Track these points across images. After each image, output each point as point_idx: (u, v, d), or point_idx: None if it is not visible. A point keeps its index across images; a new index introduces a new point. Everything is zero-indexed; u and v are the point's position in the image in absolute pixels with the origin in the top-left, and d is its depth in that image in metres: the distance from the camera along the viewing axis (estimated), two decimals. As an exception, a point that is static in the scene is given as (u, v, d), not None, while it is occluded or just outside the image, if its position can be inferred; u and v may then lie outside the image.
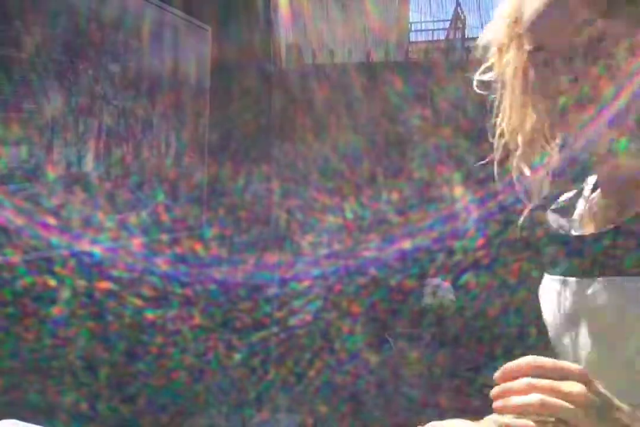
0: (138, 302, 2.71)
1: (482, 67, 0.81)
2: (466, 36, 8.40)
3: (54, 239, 2.33)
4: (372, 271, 3.75)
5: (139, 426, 2.53)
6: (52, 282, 2.29)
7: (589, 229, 0.77)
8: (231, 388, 2.76)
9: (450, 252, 3.81)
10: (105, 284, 2.56)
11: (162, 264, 2.88)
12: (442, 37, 8.70)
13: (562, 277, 0.77)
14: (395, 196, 4.04)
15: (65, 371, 2.36)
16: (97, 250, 2.55)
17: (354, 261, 3.79)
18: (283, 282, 3.65)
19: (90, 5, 2.57)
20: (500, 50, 0.79)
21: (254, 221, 3.91)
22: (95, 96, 2.62)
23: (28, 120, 2.24)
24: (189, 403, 2.77)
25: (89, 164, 2.59)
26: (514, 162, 0.78)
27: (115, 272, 2.61)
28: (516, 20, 0.76)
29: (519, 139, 0.78)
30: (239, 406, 2.71)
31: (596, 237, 0.74)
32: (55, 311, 2.33)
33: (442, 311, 3.73)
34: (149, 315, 2.77)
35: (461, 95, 3.76)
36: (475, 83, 0.81)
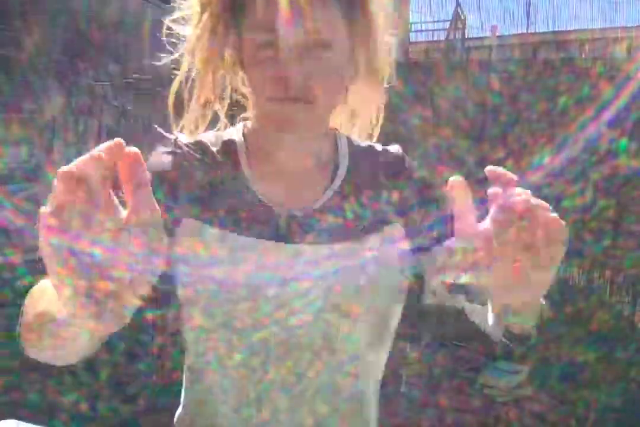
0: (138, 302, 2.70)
1: (178, 14, 0.85)
2: (466, 36, 8.39)
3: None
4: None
5: (139, 426, 2.53)
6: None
7: None
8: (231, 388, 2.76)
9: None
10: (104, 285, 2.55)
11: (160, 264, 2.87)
12: (442, 38, 8.69)
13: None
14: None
15: (66, 371, 2.36)
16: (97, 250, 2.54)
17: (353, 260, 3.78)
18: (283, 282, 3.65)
19: (91, 6, 2.57)
20: (201, 13, 0.81)
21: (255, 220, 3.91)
22: (95, 96, 2.62)
23: (28, 121, 2.24)
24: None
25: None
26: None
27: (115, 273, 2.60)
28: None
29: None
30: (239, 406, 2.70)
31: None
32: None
33: (442, 310, 3.73)
34: (149, 315, 2.76)
35: (461, 95, 3.75)
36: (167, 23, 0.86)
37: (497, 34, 8.35)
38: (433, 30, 9.89)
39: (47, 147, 2.29)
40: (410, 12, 8.70)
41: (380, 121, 0.91)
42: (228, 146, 0.83)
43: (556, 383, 2.83)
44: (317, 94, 0.74)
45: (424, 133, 4.09)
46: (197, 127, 0.85)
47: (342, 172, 0.83)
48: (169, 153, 0.81)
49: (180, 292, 0.82)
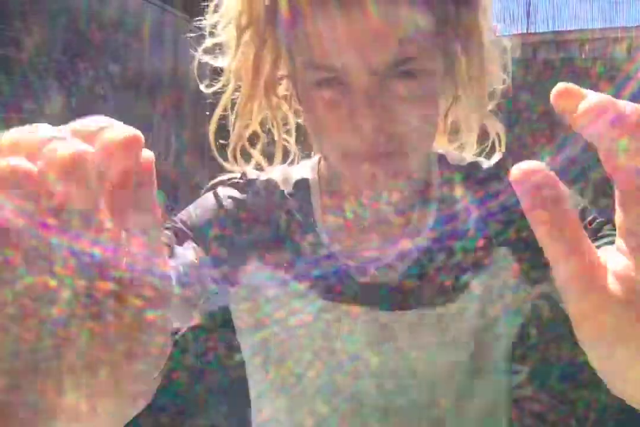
0: (138, 302, 2.71)
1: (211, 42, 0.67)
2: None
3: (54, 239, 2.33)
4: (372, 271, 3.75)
5: (139, 426, 2.53)
6: (52, 282, 2.28)
7: None
8: (231, 388, 2.76)
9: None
10: (105, 285, 2.55)
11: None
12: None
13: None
14: (395, 196, 4.04)
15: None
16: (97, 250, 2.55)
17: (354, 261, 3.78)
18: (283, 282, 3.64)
19: (91, 5, 2.57)
20: (239, 36, 0.62)
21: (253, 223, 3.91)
22: (95, 96, 2.62)
23: (28, 121, 2.25)
24: (190, 403, 2.77)
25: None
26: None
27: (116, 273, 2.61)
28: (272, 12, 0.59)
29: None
30: (239, 406, 2.71)
31: None
32: (56, 310, 2.33)
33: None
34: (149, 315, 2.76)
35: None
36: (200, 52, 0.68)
37: (497, 33, 8.38)
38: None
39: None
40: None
41: (501, 136, 0.71)
42: (299, 188, 0.69)
43: (556, 383, 2.83)
44: (411, 139, 0.57)
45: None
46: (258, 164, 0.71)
47: (432, 212, 0.68)
48: (232, 193, 0.70)
49: (252, 344, 0.73)
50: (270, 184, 0.70)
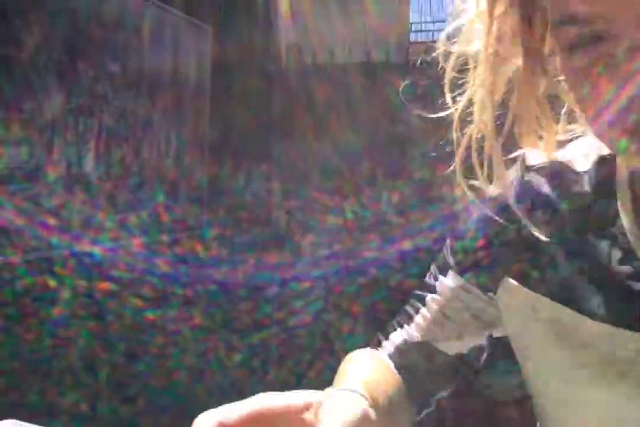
0: (138, 302, 2.71)
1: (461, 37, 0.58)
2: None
3: (54, 239, 2.32)
4: (373, 271, 3.75)
5: (139, 425, 2.53)
6: (52, 283, 2.28)
7: None
8: (232, 389, 2.76)
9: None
10: (105, 285, 2.55)
11: (162, 264, 2.88)
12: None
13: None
14: (395, 196, 4.04)
15: (66, 371, 2.36)
16: (97, 250, 2.55)
17: (354, 261, 3.79)
18: (283, 282, 3.65)
19: (91, 4, 2.57)
20: (490, 12, 0.51)
21: (254, 221, 3.91)
22: (95, 96, 2.62)
23: (28, 121, 2.24)
24: (190, 404, 2.77)
25: (89, 164, 2.58)
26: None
27: (115, 273, 2.60)
28: None
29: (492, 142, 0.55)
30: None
31: None
32: (55, 311, 2.33)
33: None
34: (149, 316, 2.77)
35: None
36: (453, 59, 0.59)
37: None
38: (433, 31, 9.90)
39: (47, 147, 2.29)
40: (410, 12, 8.70)
41: None
42: (601, 175, 0.54)
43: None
44: None
45: (424, 133, 4.09)
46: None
47: None
48: (516, 179, 0.59)
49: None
50: (563, 169, 0.56)
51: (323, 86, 4.18)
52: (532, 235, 0.55)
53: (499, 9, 0.52)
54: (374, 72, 4.23)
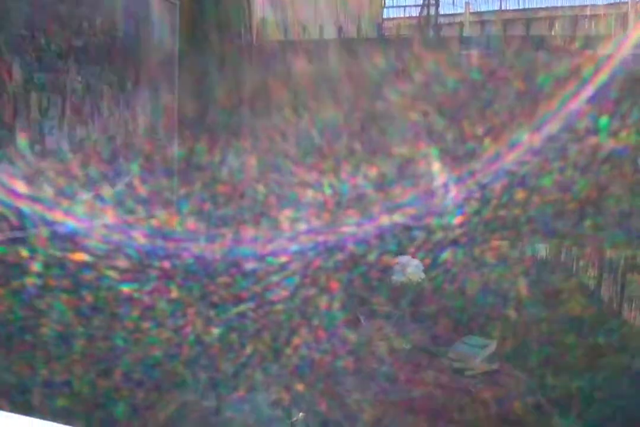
0: (114, 276, 2.69)
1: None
2: (439, 13, 8.36)
3: (27, 216, 2.29)
4: (349, 247, 3.77)
5: (115, 401, 2.53)
6: (27, 259, 2.26)
7: None
8: (208, 363, 2.77)
9: (428, 230, 3.83)
10: (80, 259, 2.53)
11: (137, 238, 2.85)
12: (416, 14, 8.64)
13: None
14: (373, 172, 4.04)
15: (42, 346, 2.35)
16: (70, 225, 2.52)
17: (330, 237, 3.79)
18: (260, 257, 3.65)
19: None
20: None
21: (230, 195, 3.89)
22: (61, 71, 2.56)
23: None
24: (166, 379, 2.78)
25: (58, 140, 2.54)
26: None
27: (89, 247, 2.58)
28: None
29: None
30: (215, 383, 2.72)
31: None
32: (30, 283, 2.31)
33: (412, 288, 3.77)
34: (125, 289, 2.75)
35: (436, 72, 3.75)
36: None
37: (471, 10, 8.36)
38: (406, 6, 9.83)
39: (9, 124, 2.24)
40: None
41: None
42: None
43: (523, 357, 2.88)
44: None
45: (401, 109, 4.08)
46: None
47: None
48: None
49: None
50: None
51: (296, 60, 4.15)
52: None
53: None
54: (347, 47, 4.21)
